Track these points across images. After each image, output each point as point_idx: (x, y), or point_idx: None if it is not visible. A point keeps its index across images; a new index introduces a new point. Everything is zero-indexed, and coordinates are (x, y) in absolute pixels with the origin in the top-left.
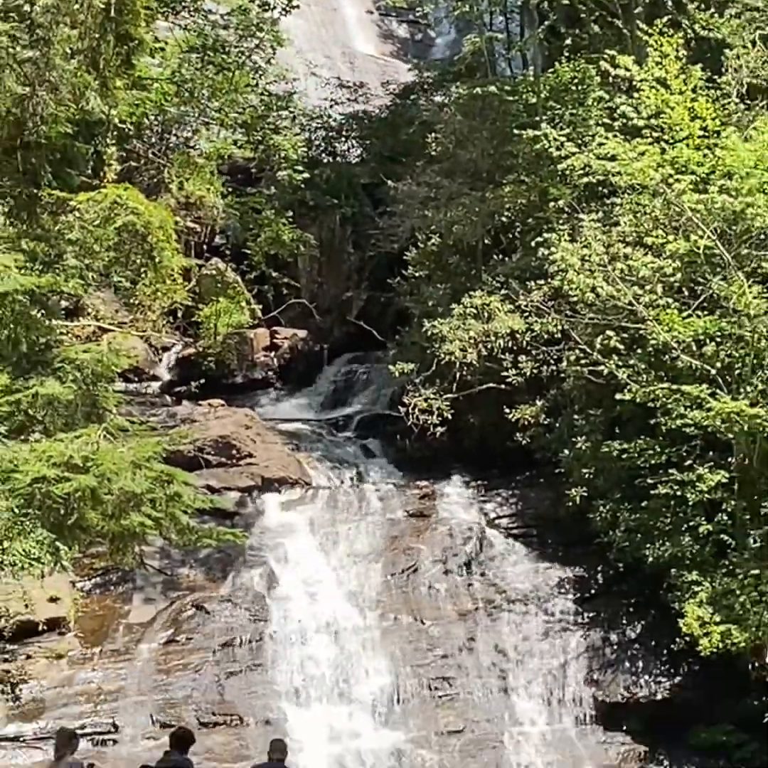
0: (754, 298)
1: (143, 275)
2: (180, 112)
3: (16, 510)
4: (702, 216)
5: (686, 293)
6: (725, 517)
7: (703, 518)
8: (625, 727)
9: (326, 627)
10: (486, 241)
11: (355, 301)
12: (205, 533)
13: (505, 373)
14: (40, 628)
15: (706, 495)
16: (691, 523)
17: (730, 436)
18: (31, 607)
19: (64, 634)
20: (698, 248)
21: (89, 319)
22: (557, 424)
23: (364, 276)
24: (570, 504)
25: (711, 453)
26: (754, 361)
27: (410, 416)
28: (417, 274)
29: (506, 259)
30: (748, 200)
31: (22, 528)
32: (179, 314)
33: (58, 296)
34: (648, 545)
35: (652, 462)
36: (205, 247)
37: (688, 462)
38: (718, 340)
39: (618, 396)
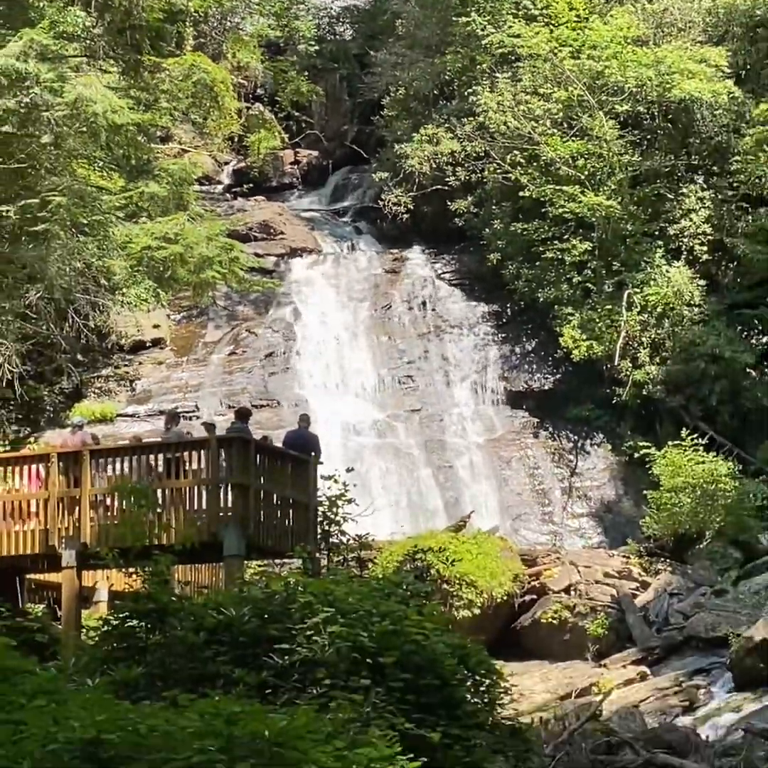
0: (610, 128)
1: (211, 113)
2: (232, 4)
3: (131, 268)
4: (576, 74)
5: (565, 126)
6: (590, 272)
7: (575, 272)
8: (524, 407)
9: (333, 343)
10: (435, 92)
11: (349, 131)
12: (254, 283)
13: (447, 179)
14: (147, 344)
15: (577, 257)
16: (568, 276)
17: (593, 219)
18: (140, 331)
19: (163, 349)
20: (574, 96)
21: (175, 143)
22: (481, 212)
23: (355, 115)
24: (490, 264)
25: (581, 230)
26: (609, 170)
27: (386, 207)
28: (390, 114)
29: (448, 103)
30: (606, 64)
31: (135, 280)
32: (235, 140)
33: (155, 128)
34: (540, 290)
35: (543, 236)
36: (250, 95)
37: (566, 236)
38: (586, 156)
39: (521, 193)
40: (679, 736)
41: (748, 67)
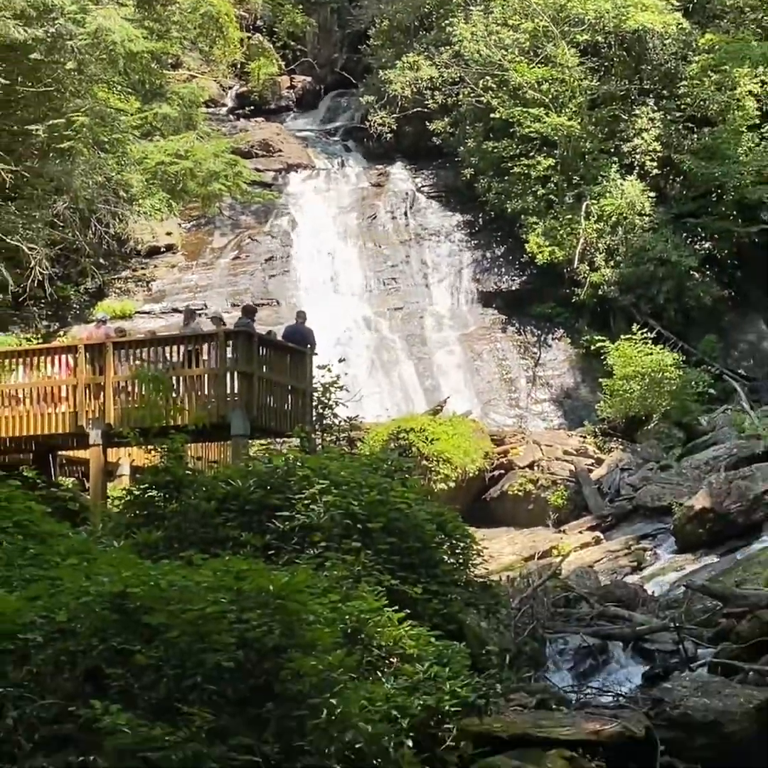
0: (571, 56)
1: (216, 43)
2: None
3: (146, 181)
4: (541, 7)
5: (532, 54)
6: (552, 186)
7: (540, 186)
8: (494, 305)
9: (325, 249)
10: (416, 23)
11: (339, 59)
12: (256, 194)
13: (426, 102)
14: (161, 250)
15: (542, 172)
16: (533, 189)
17: (556, 138)
18: (155, 237)
19: (175, 254)
20: (539, 27)
21: (184, 70)
22: (457, 132)
23: (345, 44)
24: (464, 178)
25: (545, 148)
26: (570, 94)
27: (372, 128)
28: (376, 43)
29: (428, 34)
30: None
31: (150, 192)
32: (237, 67)
33: (166, 55)
34: (508, 202)
35: (511, 153)
36: (251, 27)
37: (532, 153)
38: (550, 81)
39: (492, 115)
40: (628, 591)
41: (695, 0)
